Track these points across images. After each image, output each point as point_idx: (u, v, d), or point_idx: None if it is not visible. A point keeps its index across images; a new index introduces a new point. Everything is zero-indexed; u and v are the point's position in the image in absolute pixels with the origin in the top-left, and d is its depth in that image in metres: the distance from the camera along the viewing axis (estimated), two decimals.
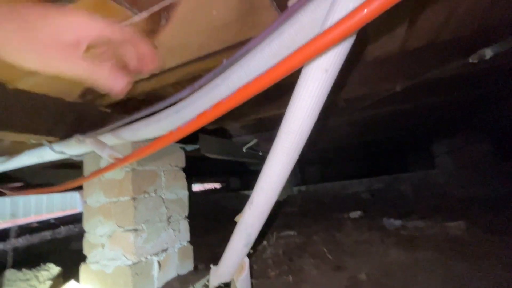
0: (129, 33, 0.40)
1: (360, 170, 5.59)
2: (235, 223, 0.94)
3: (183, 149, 1.77)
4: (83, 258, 1.47)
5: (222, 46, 0.84)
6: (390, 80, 1.41)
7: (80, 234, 1.49)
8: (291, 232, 2.27)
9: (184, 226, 1.67)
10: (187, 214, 1.71)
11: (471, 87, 1.79)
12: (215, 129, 2.09)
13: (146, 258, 1.36)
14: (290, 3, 0.40)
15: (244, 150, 2.67)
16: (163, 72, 1.08)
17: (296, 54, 0.30)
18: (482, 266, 1.28)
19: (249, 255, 1.07)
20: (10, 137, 1.14)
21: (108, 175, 1.41)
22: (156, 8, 0.60)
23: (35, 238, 4.66)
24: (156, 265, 1.41)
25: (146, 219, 1.39)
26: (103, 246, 1.40)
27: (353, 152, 5.03)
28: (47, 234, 4.97)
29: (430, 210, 2.38)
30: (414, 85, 1.39)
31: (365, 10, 0.25)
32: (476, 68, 1.33)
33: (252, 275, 1.50)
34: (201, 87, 0.54)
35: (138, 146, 1.41)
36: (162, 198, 1.53)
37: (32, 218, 7.07)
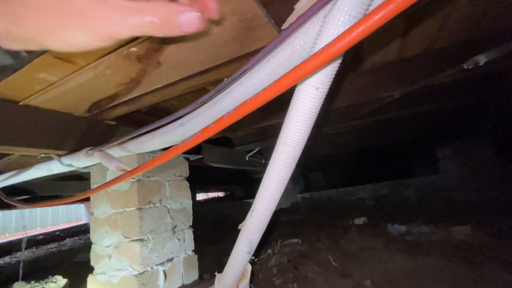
0: None
1: (364, 176, 5.57)
2: (239, 231, 0.96)
3: (187, 159, 1.80)
4: (88, 269, 1.49)
5: (223, 61, 0.88)
6: (388, 87, 1.44)
7: (86, 246, 1.52)
8: (296, 240, 2.27)
9: (189, 235, 1.69)
10: (191, 224, 1.73)
11: (470, 92, 1.81)
12: (218, 138, 2.13)
13: (152, 268, 1.38)
14: (283, 27, 0.43)
15: (247, 159, 2.70)
16: (167, 85, 1.12)
17: (288, 75, 0.33)
18: (488, 271, 1.28)
19: (252, 263, 1.08)
20: (21, 151, 1.18)
21: (114, 186, 1.44)
22: None
23: (41, 250, 4.69)
24: (161, 275, 1.42)
25: (151, 229, 1.42)
26: (109, 257, 1.42)
27: (357, 158, 5.03)
28: (52, 246, 5.00)
29: (435, 215, 2.37)
30: (414, 92, 1.42)
31: (346, 39, 0.28)
32: (473, 74, 1.36)
33: (257, 284, 1.51)
34: (203, 103, 0.58)
35: (144, 157, 1.45)
36: (167, 208, 1.56)
37: (38, 230, 7.10)
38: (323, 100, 0.41)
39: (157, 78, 0.95)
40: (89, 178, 1.59)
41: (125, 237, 1.38)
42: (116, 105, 1.25)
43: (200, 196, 8.99)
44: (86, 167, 1.48)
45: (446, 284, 1.27)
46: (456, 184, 3.23)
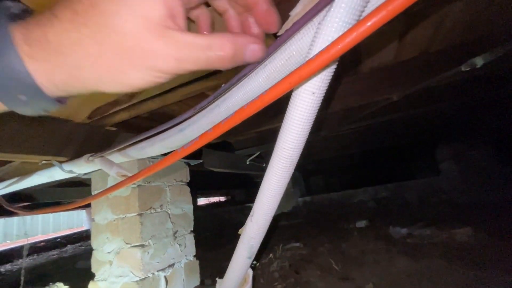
0: None
1: (364, 178, 5.56)
2: (240, 236, 0.96)
3: (187, 164, 1.81)
4: (89, 276, 1.48)
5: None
6: (386, 89, 1.45)
7: (87, 252, 1.52)
8: (297, 244, 2.26)
9: (190, 240, 1.68)
10: (192, 229, 1.72)
11: (470, 94, 1.82)
12: (219, 143, 2.13)
13: (153, 274, 1.37)
14: (279, 33, 0.44)
15: (247, 163, 2.70)
16: (167, 91, 1.13)
17: (284, 81, 0.34)
18: (490, 273, 1.27)
19: (254, 268, 1.07)
20: (22, 158, 1.19)
21: (115, 192, 1.44)
22: None
23: (42, 257, 4.67)
24: (163, 281, 1.42)
25: (152, 235, 1.42)
26: (110, 263, 1.42)
27: (357, 161, 5.03)
28: (54, 253, 4.98)
29: (436, 217, 2.36)
30: (412, 94, 1.43)
31: (340, 45, 0.29)
32: (471, 76, 1.37)
33: None
34: (202, 108, 0.58)
35: (144, 163, 1.45)
36: (168, 213, 1.56)
37: (40, 237, 7.08)
38: (320, 104, 0.41)
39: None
40: (90, 184, 1.60)
41: (126, 243, 1.38)
42: (117, 111, 1.26)
43: (201, 201, 8.97)
44: (87, 173, 1.48)
45: (448, 287, 1.26)
46: (457, 186, 3.22)
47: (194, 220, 1.76)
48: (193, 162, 1.82)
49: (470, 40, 1.19)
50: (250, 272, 1.02)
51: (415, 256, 1.61)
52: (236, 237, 1.01)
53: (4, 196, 1.53)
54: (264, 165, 2.93)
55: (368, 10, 0.36)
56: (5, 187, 1.47)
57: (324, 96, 0.41)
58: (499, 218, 2.03)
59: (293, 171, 0.52)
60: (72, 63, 0.25)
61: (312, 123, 0.43)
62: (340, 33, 0.33)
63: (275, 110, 1.47)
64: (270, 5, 0.33)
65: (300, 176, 4.94)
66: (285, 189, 0.56)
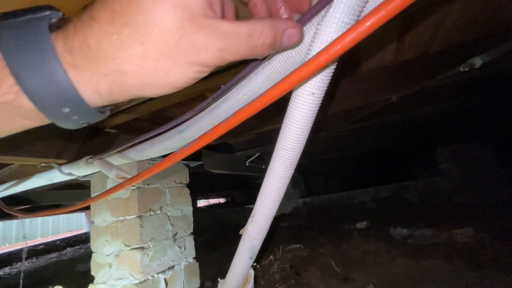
0: None
1: (365, 179, 5.56)
2: (241, 237, 0.95)
3: (187, 165, 1.80)
4: (89, 279, 1.48)
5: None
6: (386, 90, 1.45)
7: (86, 255, 1.51)
8: (298, 245, 2.25)
9: (190, 242, 1.68)
10: (192, 231, 1.72)
11: (469, 95, 1.82)
12: (219, 144, 2.13)
13: (153, 276, 1.37)
14: None
15: (247, 164, 2.70)
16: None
17: (283, 81, 0.34)
18: (490, 273, 1.26)
19: (254, 270, 1.07)
20: (21, 161, 1.19)
21: (115, 194, 1.44)
22: None
23: (41, 260, 4.65)
24: (163, 283, 1.41)
25: (152, 237, 1.41)
26: (110, 266, 1.41)
27: (358, 162, 5.03)
28: (53, 256, 4.96)
29: (437, 218, 2.36)
30: (412, 94, 1.43)
31: (339, 45, 0.29)
32: (470, 76, 1.37)
33: None
34: (201, 109, 0.58)
35: (143, 164, 1.45)
36: (168, 215, 1.55)
37: (39, 240, 7.06)
38: (320, 104, 0.41)
39: None
40: (90, 187, 1.59)
41: (126, 246, 1.37)
42: (117, 113, 1.26)
43: (201, 203, 8.95)
44: (86, 175, 1.48)
45: (449, 287, 1.26)
46: (457, 186, 3.22)
47: (194, 222, 1.76)
48: (193, 164, 1.82)
49: (469, 40, 1.19)
50: (252, 272, 1.02)
51: (416, 257, 1.61)
52: (237, 238, 1.01)
53: (3, 198, 1.52)
54: (264, 166, 2.93)
55: (367, 10, 0.36)
56: (4, 189, 1.47)
57: (323, 97, 0.41)
58: (499, 218, 2.03)
59: (293, 171, 0.52)
60: (115, 68, 0.23)
61: (312, 123, 0.43)
62: (339, 34, 0.33)
63: (275, 111, 1.47)
64: None
65: (300, 177, 4.94)
66: (285, 189, 0.56)
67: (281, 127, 0.48)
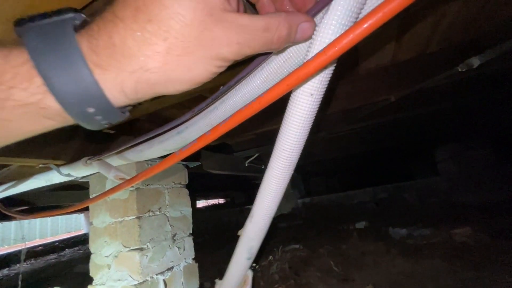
0: None
1: (364, 179, 5.56)
2: (239, 237, 0.95)
3: (186, 166, 1.80)
4: (87, 280, 1.47)
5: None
6: (384, 91, 1.46)
7: (85, 256, 1.51)
8: (297, 246, 2.25)
9: (189, 243, 1.67)
10: (191, 231, 1.71)
11: (467, 95, 1.83)
12: (218, 145, 2.13)
13: (152, 277, 1.37)
14: None
15: (246, 164, 2.70)
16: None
17: (281, 82, 0.34)
18: (489, 272, 1.27)
19: (253, 270, 1.07)
20: (20, 162, 1.18)
21: (113, 195, 1.43)
22: None
23: (40, 262, 4.63)
24: (162, 284, 1.41)
25: (151, 238, 1.41)
26: (109, 267, 1.41)
27: (357, 162, 5.03)
28: (52, 257, 4.95)
29: (435, 218, 2.36)
30: (411, 95, 1.43)
31: (337, 47, 0.29)
32: (468, 76, 1.37)
33: None
34: (200, 110, 0.58)
35: (142, 165, 1.45)
36: (167, 216, 1.55)
37: (37, 241, 7.03)
38: (319, 105, 0.41)
39: None
40: (88, 188, 1.59)
41: (125, 247, 1.37)
42: None
43: (200, 204, 8.94)
44: (85, 176, 1.47)
45: (448, 287, 1.26)
46: (456, 186, 3.23)
47: (193, 222, 1.75)
48: (192, 165, 1.82)
49: (466, 40, 1.20)
50: (250, 273, 1.01)
51: (415, 257, 1.61)
52: (236, 239, 1.01)
53: (1, 200, 1.52)
54: (263, 167, 2.93)
55: (364, 12, 0.36)
56: (3, 191, 1.46)
57: (322, 98, 0.41)
58: (498, 218, 2.04)
59: (292, 172, 0.52)
60: (140, 66, 0.24)
61: (311, 124, 0.43)
62: (337, 35, 0.33)
63: (274, 112, 1.47)
64: None
65: (299, 177, 4.94)
66: (284, 190, 0.56)
67: (280, 128, 0.48)
